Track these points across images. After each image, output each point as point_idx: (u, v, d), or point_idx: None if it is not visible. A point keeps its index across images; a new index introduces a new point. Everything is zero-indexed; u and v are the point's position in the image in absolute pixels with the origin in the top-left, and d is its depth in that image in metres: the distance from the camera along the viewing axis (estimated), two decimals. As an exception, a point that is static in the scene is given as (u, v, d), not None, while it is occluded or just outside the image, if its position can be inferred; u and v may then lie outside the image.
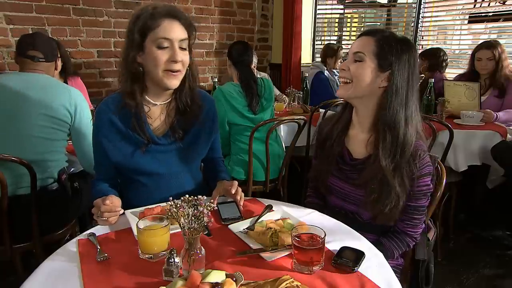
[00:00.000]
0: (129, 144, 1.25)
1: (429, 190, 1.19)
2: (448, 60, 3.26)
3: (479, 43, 2.85)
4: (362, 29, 4.74)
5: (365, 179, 1.19)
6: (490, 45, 2.70)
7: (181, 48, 1.18)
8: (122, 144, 1.25)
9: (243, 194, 1.26)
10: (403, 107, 1.14)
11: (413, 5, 3.98)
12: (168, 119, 1.30)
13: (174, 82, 1.20)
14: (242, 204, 1.24)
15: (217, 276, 0.79)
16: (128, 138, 1.25)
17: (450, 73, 3.43)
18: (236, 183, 1.27)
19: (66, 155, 1.81)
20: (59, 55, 2.43)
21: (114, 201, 1.10)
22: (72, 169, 1.97)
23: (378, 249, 1.03)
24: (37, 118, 1.61)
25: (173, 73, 1.18)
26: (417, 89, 1.18)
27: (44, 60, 1.74)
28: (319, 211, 1.24)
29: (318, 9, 4.62)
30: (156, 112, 1.29)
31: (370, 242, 1.06)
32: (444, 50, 3.27)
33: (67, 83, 2.47)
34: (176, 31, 1.16)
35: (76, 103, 1.70)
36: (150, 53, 1.15)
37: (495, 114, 2.56)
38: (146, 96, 1.26)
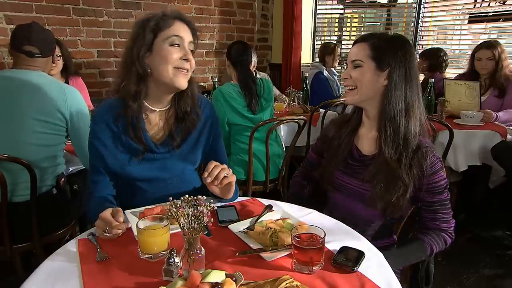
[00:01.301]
0: (126, 152, 1.24)
1: (447, 184, 1.21)
2: (448, 60, 3.26)
3: (479, 43, 2.85)
4: (362, 29, 4.74)
5: (372, 173, 1.22)
6: (490, 45, 2.71)
7: (190, 50, 1.21)
8: (119, 151, 1.24)
9: (220, 171, 1.14)
10: (402, 100, 1.18)
11: (413, 5, 3.98)
12: (166, 126, 1.28)
13: (184, 82, 1.20)
14: (220, 181, 1.13)
15: (217, 276, 0.79)
16: (125, 145, 1.24)
17: (450, 73, 3.43)
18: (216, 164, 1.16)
19: (63, 158, 1.78)
20: (58, 52, 2.43)
21: (122, 215, 1.07)
22: (70, 169, 1.95)
23: (419, 247, 1.15)
24: (32, 123, 1.55)
25: (183, 72, 1.19)
26: (418, 83, 1.22)
27: (40, 55, 1.63)
28: (303, 194, 1.31)
29: (318, 9, 4.62)
30: (155, 119, 1.28)
31: (384, 244, 1.07)
32: (444, 50, 3.26)
33: (68, 83, 2.46)
34: (187, 33, 1.20)
35: (72, 104, 1.63)
36: (161, 51, 1.16)
37: (495, 114, 2.56)
38: (145, 102, 1.24)
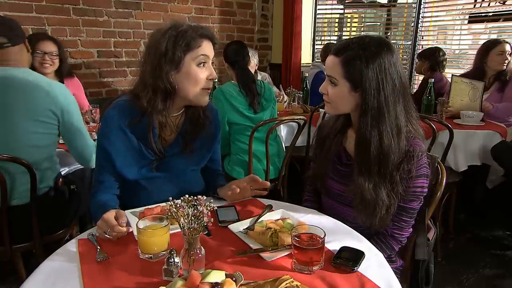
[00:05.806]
0: (137, 157, 1.24)
1: (422, 193, 1.17)
2: (447, 59, 3.26)
3: (479, 42, 2.86)
4: (362, 29, 4.74)
5: (350, 194, 1.19)
6: (506, 41, 2.74)
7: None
8: (130, 156, 1.23)
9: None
10: (377, 120, 1.10)
11: (413, 5, 3.98)
12: (177, 131, 1.30)
13: (207, 99, 1.26)
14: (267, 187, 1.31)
15: (217, 276, 0.79)
16: (137, 150, 1.24)
17: (450, 73, 3.43)
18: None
19: (57, 158, 1.73)
20: (56, 51, 2.43)
21: (125, 219, 1.07)
22: (67, 169, 1.93)
23: None
24: (23, 124, 1.49)
25: (208, 91, 1.24)
26: (396, 90, 1.11)
27: (10, 44, 1.52)
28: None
29: (318, 9, 4.61)
30: (167, 124, 1.28)
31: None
32: (444, 49, 3.27)
33: (63, 83, 2.44)
34: (211, 51, 1.24)
35: (62, 100, 1.56)
36: (189, 72, 1.17)
37: (494, 105, 2.60)
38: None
